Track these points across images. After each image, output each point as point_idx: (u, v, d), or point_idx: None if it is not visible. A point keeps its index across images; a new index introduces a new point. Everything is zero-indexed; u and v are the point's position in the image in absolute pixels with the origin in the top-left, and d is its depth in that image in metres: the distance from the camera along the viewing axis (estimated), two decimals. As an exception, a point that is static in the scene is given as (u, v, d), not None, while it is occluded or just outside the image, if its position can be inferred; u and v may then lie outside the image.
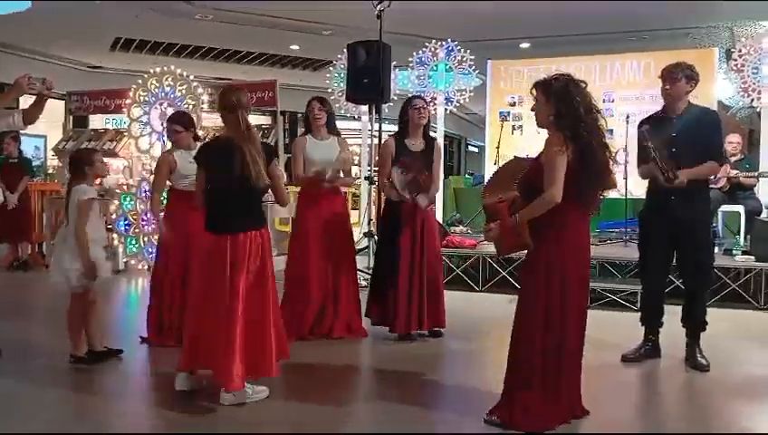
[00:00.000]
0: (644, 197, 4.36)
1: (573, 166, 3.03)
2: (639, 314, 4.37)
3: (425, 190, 4.51)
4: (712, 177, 6.41)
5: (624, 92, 8.20)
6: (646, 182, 4.32)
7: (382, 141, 7.52)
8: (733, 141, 6.98)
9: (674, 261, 4.25)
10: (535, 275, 3.15)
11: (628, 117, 7.09)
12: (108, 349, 4.18)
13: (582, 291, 3.24)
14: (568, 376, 3.18)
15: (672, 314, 4.26)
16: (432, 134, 4.98)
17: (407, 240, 4.56)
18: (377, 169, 7.62)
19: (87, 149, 4.21)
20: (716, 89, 7.77)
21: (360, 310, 4.85)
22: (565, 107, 3.05)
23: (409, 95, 8.98)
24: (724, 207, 6.79)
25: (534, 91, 3.18)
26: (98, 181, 8.36)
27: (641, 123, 4.21)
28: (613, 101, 8.21)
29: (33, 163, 12.54)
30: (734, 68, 7.44)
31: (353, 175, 5.17)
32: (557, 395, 3.15)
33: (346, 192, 4.96)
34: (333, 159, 4.74)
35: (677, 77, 4.03)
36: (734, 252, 6.08)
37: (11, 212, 7.72)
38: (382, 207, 5.00)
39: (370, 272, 6.89)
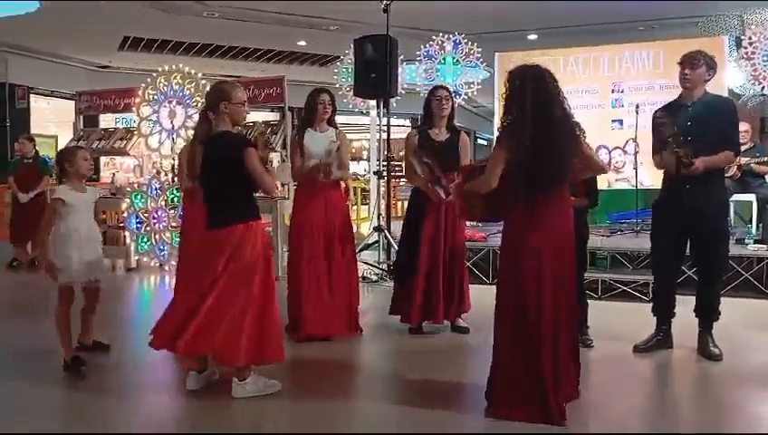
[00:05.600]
0: (653, 187, 4.34)
1: (509, 164, 3.10)
2: (651, 304, 4.36)
3: (440, 183, 4.41)
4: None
5: (633, 82, 8.14)
6: (656, 172, 4.30)
7: (391, 135, 7.60)
8: (741, 130, 6.92)
9: (687, 251, 4.23)
10: (501, 274, 3.30)
11: (637, 107, 7.05)
12: (95, 342, 4.28)
13: (556, 287, 3.13)
14: (553, 366, 3.10)
15: (683, 304, 4.24)
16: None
17: (429, 231, 4.54)
18: (385, 163, 7.66)
19: (69, 147, 4.19)
20: (726, 77, 7.69)
21: (357, 305, 4.80)
22: (506, 104, 3.16)
23: (416, 88, 9.11)
24: (736, 196, 6.74)
25: None
26: (109, 180, 8.48)
27: (656, 111, 4.17)
28: (623, 92, 8.16)
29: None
30: (745, 56, 7.38)
31: (349, 169, 5.09)
32: (547, 386, 3.08)
33: (347, 186, 4.91)
34: (329, 150, 4.64)
35: (698, 63, 4.00)
36: (747, 241, 6.04)
37: (27, 214, 7.76)
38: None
39: (381, 266, 6.93)
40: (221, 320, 3.30)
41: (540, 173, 3.07)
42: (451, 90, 5.06)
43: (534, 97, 3.07)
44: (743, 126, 6.95)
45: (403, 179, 12.75)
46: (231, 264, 3.35)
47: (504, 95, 3.18)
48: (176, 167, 7.95)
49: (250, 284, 3.36)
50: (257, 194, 3.52)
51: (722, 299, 4.20)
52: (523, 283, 3.12)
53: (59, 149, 4.40)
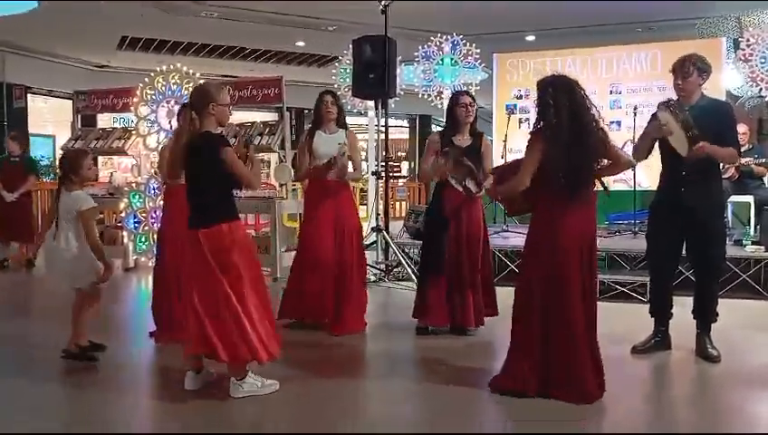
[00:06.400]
0: (651, 188, 4.35)
1: (544, 164, 3.32)
2: (649, 305, 4.37)
3: (472, 175, 4.35)
4: (721, 166, 6.41)
5: (631, 84, 8.15)
6: (654, 174, 4.31)
7: (390, 136, 7.61)
8: (739, 132, 6.90)
9: (683, 252, 4.23)
10: (526, 269, 3.52)
11: (635, 108, 7.06)
12: (92, 344, 4.19)
13: (580, 282, 3.34)
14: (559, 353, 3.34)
15: (681, 306, 4.25)
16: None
17: (451, 235, 4.51)
18: (384, 163, 7.65)
19: (74, 153, 4.18)
20: (724, 79, 7.71)
21: (364, 304, 4.86)
22: (540, 112, 3.36)
23: (415, 89, 9.12)
24: (734, 198, 6.76)
25: None
26: (105, 180, 8.47)
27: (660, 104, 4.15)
28: (620, 93, 8.18)
29: (43, 163, 12.65)
30: (742, 58, 7.40)
31: (361, 170, 5.14)
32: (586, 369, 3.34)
33: (354, 186, 4.97)
34: (340, 151, 4.68)
35: (689, 71, 4.00)
36: (744, 242, 6.05)
37: (14, 213, 7.72)
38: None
39: (379, 266, 6.93)
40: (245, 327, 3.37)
41: (572, 176, 3.28)
42: (446, 92, 5.08)
43: (568, 106, 3.28)
44: (741, 128, 6.94)
45: (401, 180, 12.78)
46: (221, 265, 3.35)
47: (537, 102, 3.41)
48: (155, 164, 7.94)
49: (238, 282, 3.37)
50: (251, 193, 3.55)
51: (720, 300, 4.20)
52: (551, 278, 3.33)
53: (61, 153, 4.37)
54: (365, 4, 7.60)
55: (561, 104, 3.29)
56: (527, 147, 3.40)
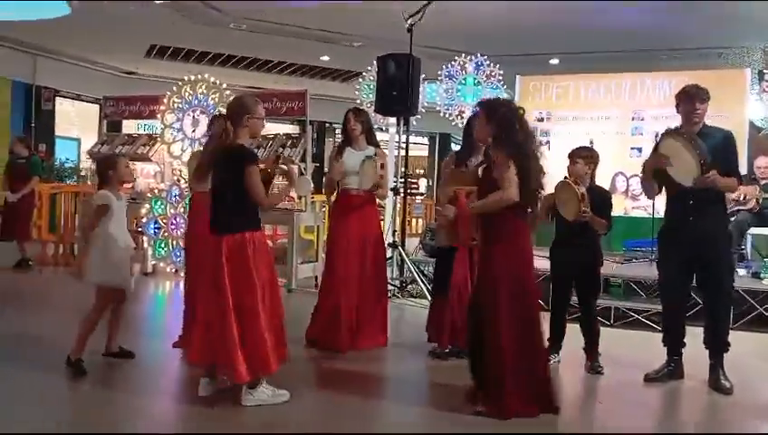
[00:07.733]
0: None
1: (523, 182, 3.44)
2: (662, 334, 4.34)
3: None
4: (740, 197, 6.37)
5: (654, 111, 8.10)
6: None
7: (409, 153, 7.66)
8: (761, 165, 6.86)
9: (694, 281, 4.22)
10: (504, 286, 3.48)
11: (657, 135, 7.02)
12: (122, 349, 4.27)
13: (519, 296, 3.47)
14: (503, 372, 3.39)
15: (695, 337, 4.22)
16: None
17: (462, 257, 4.47)
18: (402, 180, 7.70)
19: (112, 154, 4.32)
20: (748, 110, 7.67)
21: (386, 321, 4.87)
22: (505, 133, 3.45)
23: (436, 107, 9.15)
24: (754, 230, 6.70)
25: (479, 109, 3.66)
26: (129, 186, 8.58)
27: (667, 130, 4.19)
28: (643, 120, 8.14)
29: (67, 165, 12.86)
30: (766, 89, 7.37)
31: (387, 189, 5.13)
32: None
33: (378, 203, 4.97)
34: (366, 169, 4.70)
35: (706, 98, 4.05)
36: (762, 275, 6.00)
37: (16, 212, 7.86)
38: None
39: (395, 283, 6.95)
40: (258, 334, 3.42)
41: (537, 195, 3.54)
42: (468, 111, 5.08)
43: (523, 130, 3.50)
44: (764, 161, 6.92)
45: (419, 197, 12.81)
46: (238, 273, 3.42)
47: (486, 124, 3.53)
48: (177, 171, 8.02)
49: (253, 290, 3.43)
50: (278, 205, 3.63)
51: (736, 333, 4.20)
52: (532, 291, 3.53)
53: (99, 157, 4.41)
54: (391, 18, 7.66)
55: (525, 131, 3.50)
56: (504, 168, 3.42)
